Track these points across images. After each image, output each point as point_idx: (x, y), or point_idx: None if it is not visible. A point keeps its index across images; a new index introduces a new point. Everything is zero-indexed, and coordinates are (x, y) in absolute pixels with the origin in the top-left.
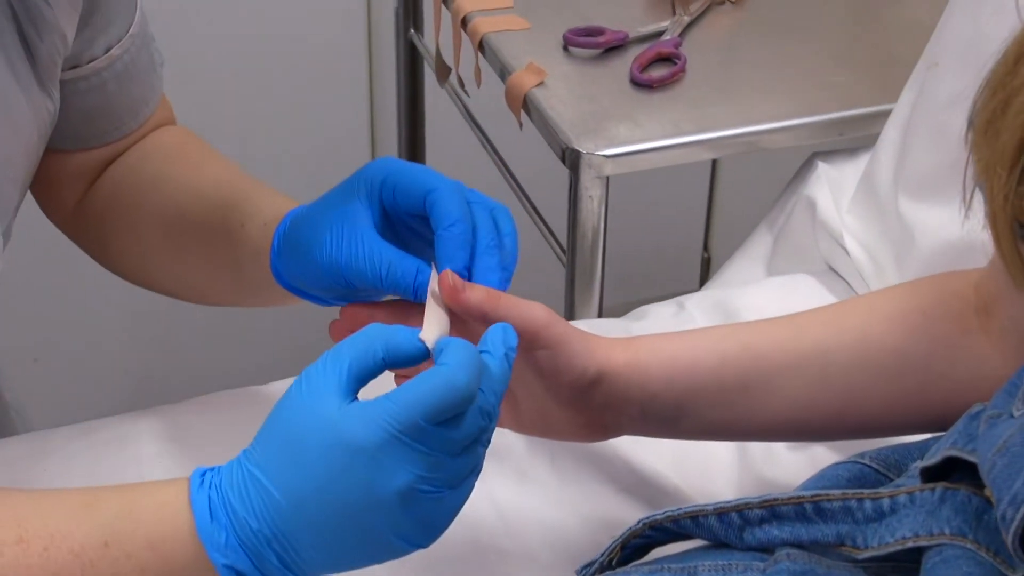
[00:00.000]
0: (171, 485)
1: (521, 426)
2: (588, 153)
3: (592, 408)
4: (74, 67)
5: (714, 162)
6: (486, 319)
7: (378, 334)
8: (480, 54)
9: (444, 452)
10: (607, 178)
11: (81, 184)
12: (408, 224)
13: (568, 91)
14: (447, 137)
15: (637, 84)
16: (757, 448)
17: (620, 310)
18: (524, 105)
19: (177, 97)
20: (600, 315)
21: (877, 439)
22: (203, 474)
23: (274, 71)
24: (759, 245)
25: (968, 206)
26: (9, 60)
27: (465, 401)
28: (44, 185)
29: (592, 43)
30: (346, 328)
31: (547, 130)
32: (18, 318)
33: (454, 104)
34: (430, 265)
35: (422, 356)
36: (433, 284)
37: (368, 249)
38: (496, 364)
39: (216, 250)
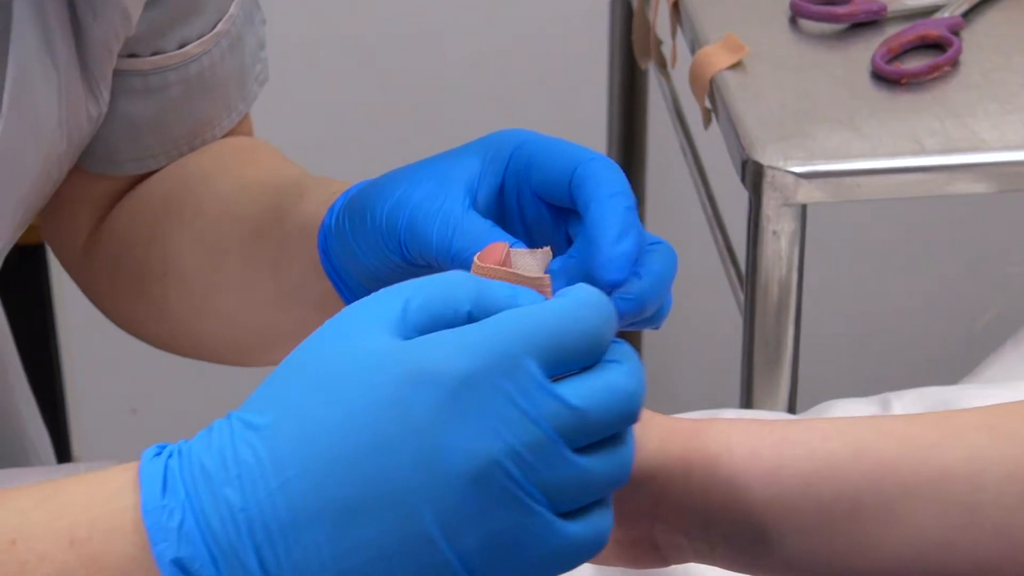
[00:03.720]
0: (123, 466)
1: None
2: (773, 168)
3: (637, 518)
4: (131, 55)
5: None
6: None
7: (465, 279)
8: (676, 19)
9: (554, 428)
10: (803, 208)
11: (100, 210)
12: (533, 212)
13: (772, 78)
14: (668, 130)
15: (879, 77)
16: None
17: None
18: (711, 93)
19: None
20: (792, 406)
21: None
22: (164, 447)
23: (509, 41)
24: None
25: None
26: (48, 40)
27: (593, 347)
28: (52, 209)
29: (829, 14)
30: None
31: (729, 129)
32: (116, 367)
33: (659, 87)
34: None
35: None
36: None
37: (444, 207)
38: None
39: (258, 248)
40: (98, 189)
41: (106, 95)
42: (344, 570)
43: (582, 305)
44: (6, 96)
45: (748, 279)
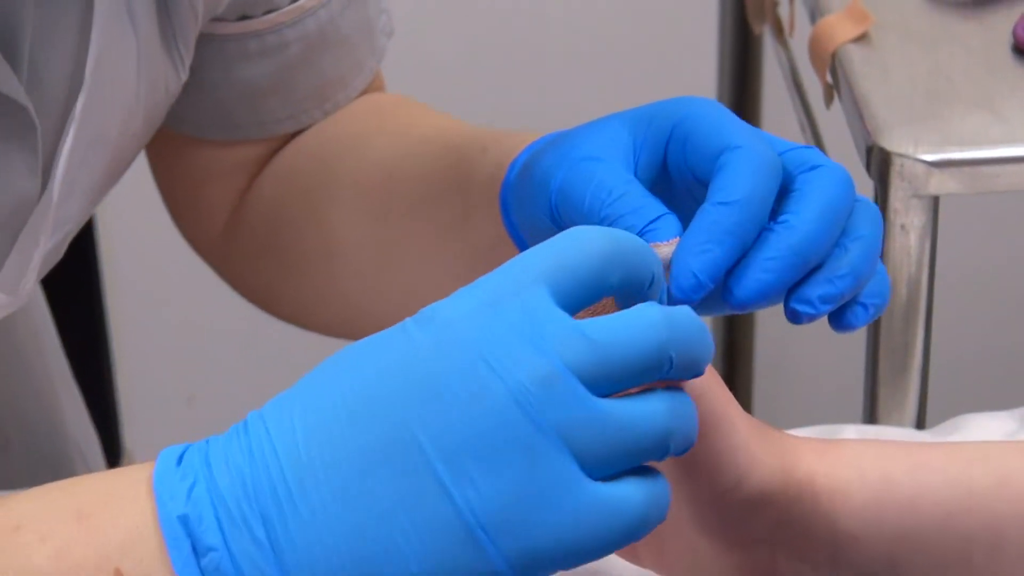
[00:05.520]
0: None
1: (663, 562)
2: (902, 156)
3: (757, 544)
4: (243, 18)
5: None
6: None
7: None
8: None
9: (566, 362)
10: (935, 199)
11: (236, 188)
12: (697, 196)
13: (901, 52)
14: (785, 105)
15: (1020, 51)
16: None
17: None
18: (833, 68)
19: None
20: (921, 421)
21: None
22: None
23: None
24: None
25: None
26: (129, 3)
27: (601, 263)
28: (182, 189)
29: None
30: None
31: (853, 111)
32: (171, 351)
33: (776, 55)
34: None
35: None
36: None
37: (600, 172)
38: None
39: (438, 209)
40: (227, 161)
41: (187, 67)
42: (354, 528)
43: (586, 236)
44: (89, 66)
45: None
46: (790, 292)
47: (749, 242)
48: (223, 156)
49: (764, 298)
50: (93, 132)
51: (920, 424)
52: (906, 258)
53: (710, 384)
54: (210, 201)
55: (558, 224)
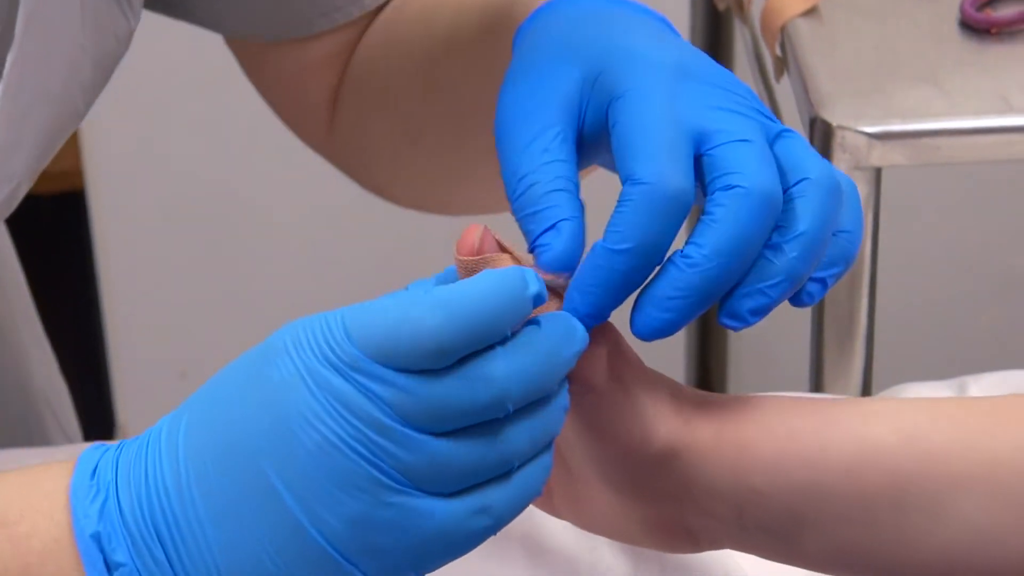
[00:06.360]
0: (67, 461)
1: (579, 517)
2: (843, 128)
3: (665, 499)
4: None
5: None
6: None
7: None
8: None
9: (405, 418)
10: (878, 171)
11: (325, 82)
12: None
13: (849, 26)
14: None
15: (967, 26)
16: None
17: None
18: (783, 42)
19: None
20: (867, 389)
21: None
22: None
23: None
24: None
25: None
26: None
27: (433, 349)
28: (276, 94)
29: None
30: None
31: (798, 83)
32: (165, 331)
33: (741, 35)
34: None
35: None
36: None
37: (515, 156)
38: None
39: (487, 75)
40: (300, 61)
41: (137, 12)
42: (229, 550)
43: (433, 305)
44: (19, 25)
45: None
46: (720, 303)
47: (641, 282)
48: (292, 58)
49: (667, 335)
50: (33, 87)
51: (866, 392)
52: None
53: (627, 354)
54: (303, 102)
55: None
